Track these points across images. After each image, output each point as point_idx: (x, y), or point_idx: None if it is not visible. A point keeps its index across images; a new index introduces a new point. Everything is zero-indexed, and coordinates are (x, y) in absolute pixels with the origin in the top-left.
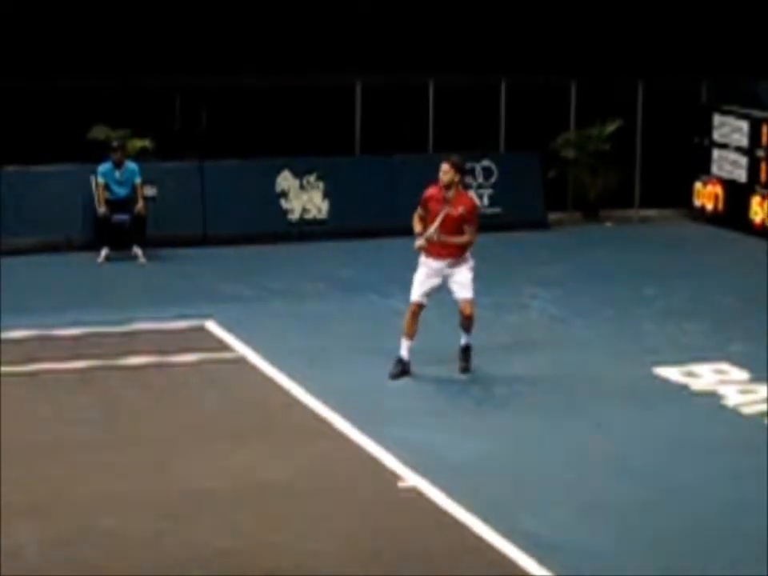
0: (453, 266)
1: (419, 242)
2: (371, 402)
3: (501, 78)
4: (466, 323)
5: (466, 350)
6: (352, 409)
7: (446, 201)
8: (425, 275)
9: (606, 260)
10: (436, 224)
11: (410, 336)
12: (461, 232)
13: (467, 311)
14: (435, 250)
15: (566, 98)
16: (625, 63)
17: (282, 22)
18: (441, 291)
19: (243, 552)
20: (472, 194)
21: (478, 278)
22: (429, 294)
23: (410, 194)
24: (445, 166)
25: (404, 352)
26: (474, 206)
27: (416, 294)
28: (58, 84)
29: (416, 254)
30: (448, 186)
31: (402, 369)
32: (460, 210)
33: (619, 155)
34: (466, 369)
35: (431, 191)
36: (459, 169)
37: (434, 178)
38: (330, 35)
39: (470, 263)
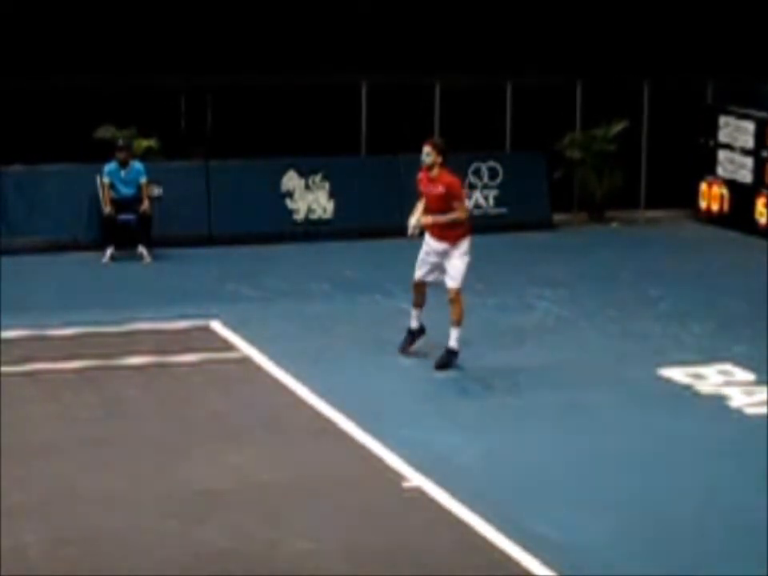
0: (449, 250)
1: (410, 231)
2: (376, 401)
3: (507, 78)
4: (456, 313)
5: (449, 353)
6: (356, 409)
7: (430, 182)
8: (424, 253)
9: (611, 261)
10: (421, 207)
11: (417, 306)
12: (450, 210)
13: (450, 295)
14: (434, 231)
15: (571, 99)
16: (630, 64)
17: (288, 21)
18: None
19: (246, 552)
20: (477, 193)
21: (482, 279)
22: (430, 272)
23: (415, 194)
24: (426, 148)
25: (413, 322)
26: (455, 182)
27: (416, 272)
28: (64, 83)
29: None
30: (430, 167)
31: (411, 340)
32: (441, 188)
33: (625, 156)
34: (440, 366)
35: (420, 175)
36: (440, 150)
37: None
38: (336, 35)
39: (464, 248)
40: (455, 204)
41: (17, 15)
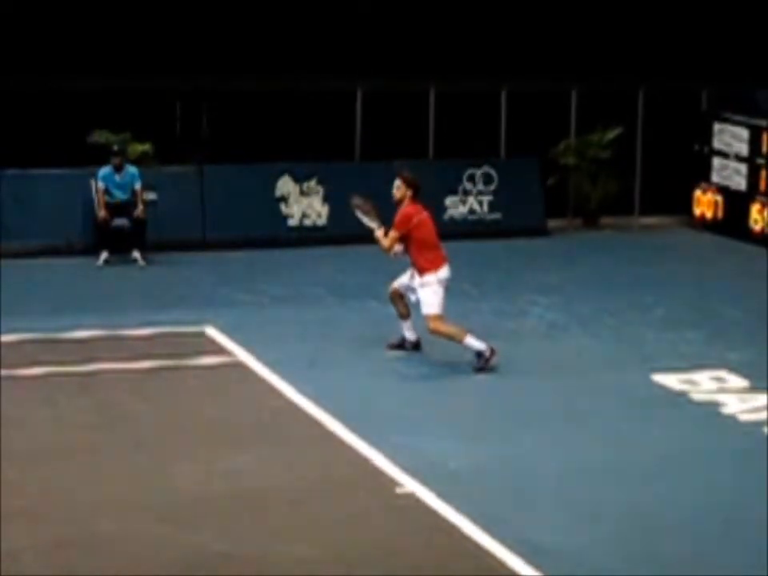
0: (418, 280)
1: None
2: (369, 407)
3: (501, 84)
4: (451, 338)
5: (476, 356)
6: (350, 414)
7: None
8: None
9: (605, 267)
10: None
11: (402, 317)
12: (406, 242)
13: (428, 326)
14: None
15: (566, 105)
16: (625, 70)
17: (284, 26)
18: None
19: (241, 557)
20: (471, 199)
21: (477, 284)
22: (406, 289)
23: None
24: (397, 182)
25: (408, 333)
26: (403, 215)
27: (395, 282)
28: (59, 87)
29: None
30: (399, 202)
31: (401, 343)
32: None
33: (619, 162)
34: (477, 369)
35: None
36: (409, 183)
37: (433, 184)
38: (332, 41)
39: (426, 280)
40: (390, 231)
41: (11, 18)
